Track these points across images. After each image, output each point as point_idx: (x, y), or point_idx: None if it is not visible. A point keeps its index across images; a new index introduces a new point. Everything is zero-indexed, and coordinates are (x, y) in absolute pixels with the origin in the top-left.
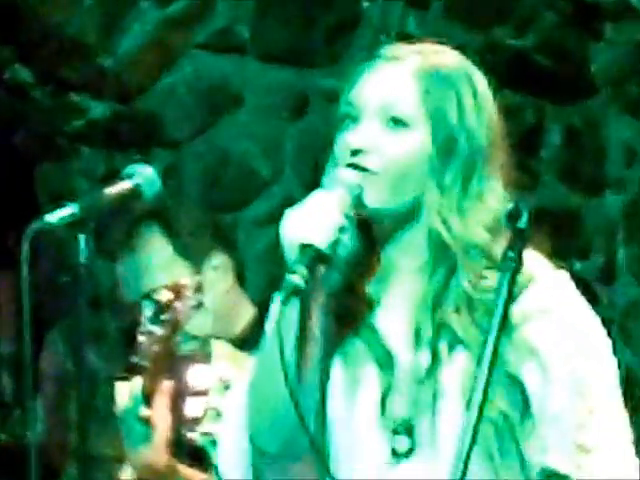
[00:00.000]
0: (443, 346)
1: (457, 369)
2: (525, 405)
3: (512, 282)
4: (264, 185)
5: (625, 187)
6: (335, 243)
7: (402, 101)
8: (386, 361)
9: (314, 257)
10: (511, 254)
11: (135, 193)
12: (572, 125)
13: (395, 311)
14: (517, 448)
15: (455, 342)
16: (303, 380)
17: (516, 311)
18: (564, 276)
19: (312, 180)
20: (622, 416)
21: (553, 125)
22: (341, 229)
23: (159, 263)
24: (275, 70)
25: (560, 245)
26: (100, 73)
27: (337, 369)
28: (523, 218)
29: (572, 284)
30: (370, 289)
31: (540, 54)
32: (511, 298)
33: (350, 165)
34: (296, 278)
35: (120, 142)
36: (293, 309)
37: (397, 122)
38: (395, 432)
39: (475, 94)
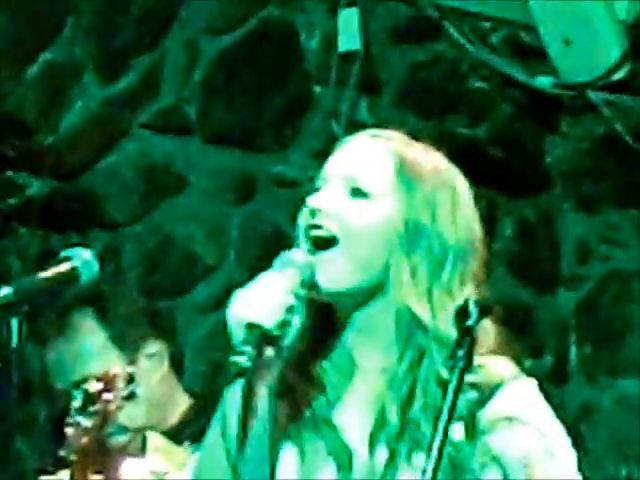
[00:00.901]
0: (403, 445)
1: (415, 469)
2: None
3: (460, 382)
4: (207, 270)
5: (578, 284)
6: (283, 324)
7: (370, 174)
8: (344, 460)
9: (261, 337)
10: (460, 353)
11: (72, 277)
12: (525, 218)
13: (356, 406)
14: None
15: (410, 447)
16: (249, 462)
17: (484, 418)
18: (532, 383)
19: (256, 266)
20: None
21: (505, 218)
22: (290, 309)
23: (91, 350)
24: (221, 152)
25: (511, 342)
26: (40, 150)
27: (292, 463)
28: (472, 316)
29: (539, 392)
30: (331, 380)
31: (494, 145)
32: (476, 404)
33: (308, 229)
34: (241, 359)
35: (58, 222)
36: (237, 391)
37: (363, 191)
38: None
39: (454, 200)
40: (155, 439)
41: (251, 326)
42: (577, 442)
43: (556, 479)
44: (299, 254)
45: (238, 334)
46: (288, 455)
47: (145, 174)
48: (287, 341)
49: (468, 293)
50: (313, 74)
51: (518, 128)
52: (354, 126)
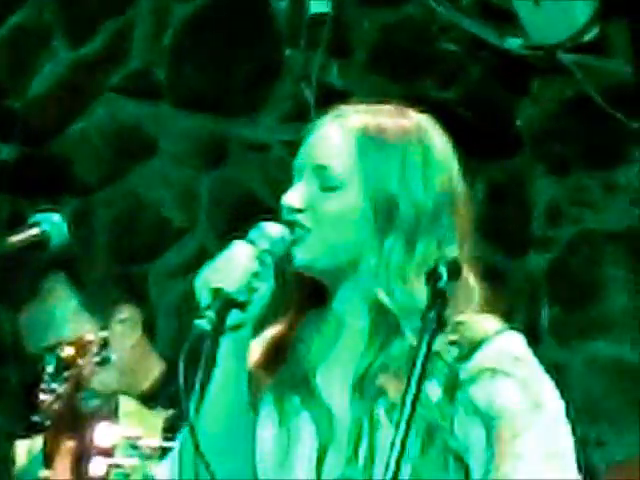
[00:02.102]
0: (381, 409)
1: (388, 433)
2: (466, 477)
3: (430, 345)
4: (178, 235)
5: (549, 247)
6: (249, 290)
7: (335, 161)
8: (324, 420)
9: (224, 302)
10: (431, 315)
11: (42, 241)
12: (496, 181)
13: (337, 370)
14: None
15: (389, 406)
16: (208, 419)
17: (466, 370)
18: (518, 337)
19: (227, 231)
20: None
21: (476, 181)
22: (255, 275)
23: (64, 315)
24: (191, 116)
25: (482, 304)
26: (8, 115)
27: (271, 426)
28: (443, 279)
29: (525, 346)
30: (318, 344)
31: (464, 107)
32: (457, 359)
33: (284, 223)
34: (203, 322)
35: (27, 187)
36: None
37: (331, 182)
38: None
39: (426, 158)
40: (128, 404)
41: (215, 291)
42: None
43: (543, 429)
44: (275, 227)
45: (203, 299)
46: (267, 416)
47: (115, 138)
48: (254, 307)
49: (451, 252)
50: (283, 37)
51: (488, 90)
52: (324, 89)
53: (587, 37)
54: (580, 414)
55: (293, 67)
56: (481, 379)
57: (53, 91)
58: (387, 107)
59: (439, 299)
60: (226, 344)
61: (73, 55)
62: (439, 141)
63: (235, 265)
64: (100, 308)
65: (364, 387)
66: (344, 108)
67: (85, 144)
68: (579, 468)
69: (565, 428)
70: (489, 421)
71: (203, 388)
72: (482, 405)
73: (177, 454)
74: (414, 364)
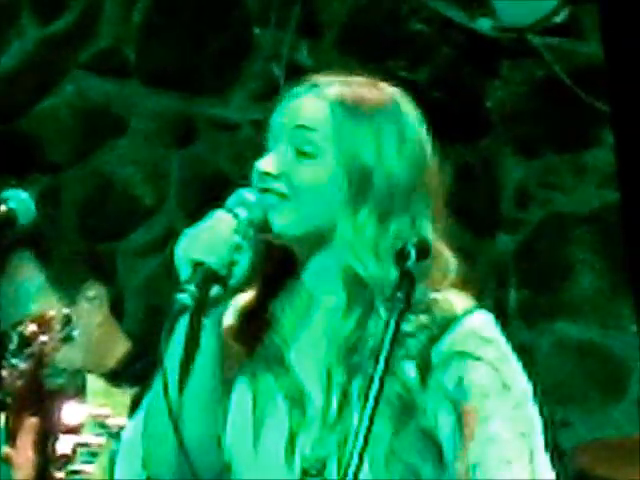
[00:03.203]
0: (352, 389)
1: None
2: (441, 460)
3: (398, 324)
4: (147, 214)
5: (518, 228)
6: (230, 263)
7: (313, 129)
8: (298, 398)
9: (206, 276)
10: (399, 294)
11: (9, 218)
12: (465, 162)
13: (310, 347)
14: None
15: (365, 385)
16: (190, 402)
17: (436, 354)
18: (486, 317)
19: (196, 210)
20: (543, 462)
21: (445, 162)
22: (237, 248)
23: (29, 292)
24: (161, 95)
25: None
26: None
27: (245, 401)
28: (411, 258)
29: (494, 327)
30: (290, 317)
31: (434, 89)
32: (428, 340)
33: (259, 190)
34: (184, 297)
35: None
36: (180, 330)
37: (306, 149)
38: (305, 473)
39: (401, 132)
40: (95, 382)
41: (196, 264)
42: None
43: (512, 410)
44: (252, 194)
45: (184, 272)
46: (240, 393)
47: (84, 116)
48: (234, 280)
49: (425, 228)
50: (253, 16)
51: (458, 72)
52: (294, 69)
53: (557, 19)
54: (547, 395)
55: (263, 46)
56: (451, 364)
57: (21, 69)
58: (362, 79)
59: (407, 279)
60: (204, 320)
61: (41, 32)
62: (413, 116)
63: (217, 237)
64: (67, 286)
65: (340, 365)
66: (320, 78)
67: (54, 122)
68: (546, 448)
69: (533, 409)
70: (458, 405)
71: (184, 364)
72: (451, 389)
73: (145, 418)
74: (382, 343)
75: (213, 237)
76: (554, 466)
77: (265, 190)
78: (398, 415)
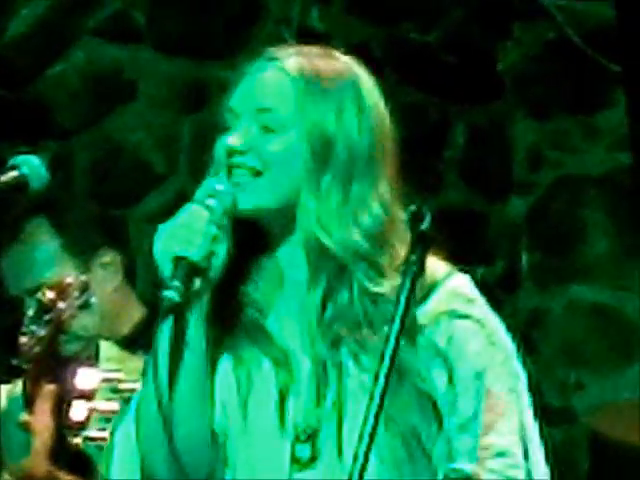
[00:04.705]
0: (347, 357)
1: (357, 378)
2: (439, 417)
3: (413, 286)
4: (157, 179)
5: (530, 191)
6: (209, 254)
7: (276, 104)
8: (282, 360)
9: (188, 270)
10: (413, 257)
11: (21, 184)
12: (477, 125)
13: (287, 318)
14: (426, 456)
15: (355, 351)
16: (180, 399)
17: (422, 315)
18: (467, 279)
19: (207, 175)
20: (530, 419)
21: (457, 125)
22: (214, 239)
23: (45, 258)
24: (171, 60)
25: (462, 249)
26: None
27: (229, 371)
28: (426, 220)
29: (474, 287)
30: (264, 291)
31: (445, 51)
32: (412, 302)
33: (227, 167)
34: (172, 294)
35: (6, 131)
36: (166, 327)
37: (271, 124)
38: (297, 439)
39: (359, 101)
40: (109, 348)
41: (178, 260)
42: (528, 348)
43: (501, 365)
44: (220, 182)
45: (165, 269)
46: (224, 371)
47: (94, 82)
48: (213, 272)
49: (385, 201)
50: None
51: (470, 34)
52: (305, 32)
53: None
54: (560, 358)
55: (273, 10)
56: (440, 322)
57: (31, 34)
58: (318, 49)
59: (421, 242)
60: (188, 315)
61: None
62: (369, 85)
63: (194, 230)
64: (81, 252)
65: (321, 334)
66: (277, 50)
67: (64, 88)
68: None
69: (518, 364)
70: (451, 361)
71: (172, 361)
72: (443, 347)
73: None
74: (393, 317)
75: (190, 231)
76: (541, 426)
77: (235, 167)
78: (393, 381)
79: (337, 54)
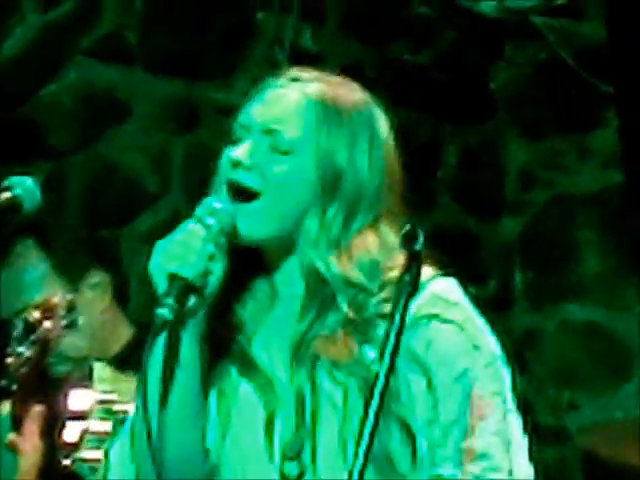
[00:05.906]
0: (321, 374)
1: (335, 395)
2: (413, 445)
3: (407, 305)
4: (150, 200)
5: (523, 211)
6: (205, 273)
7: (290, 124)
8: (265, 385)
9: (182, 288)
10: (407, 278)
11: (14, 205)
12: (469, 145)
13: (273, 339)
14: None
15: (333, 369)
16: (170, 417)
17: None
18: (451, 282)
19: (200, 195)
20: (515, 421)
21: (450, 145)
22: (211, 258)
23: (33, 279)
24: (164, 80)
25: (455, 269)
26: None
27: (212, 403)
28: (419, 240)
29: (459, 290)
30: (252, 313)
31: (438, 71)
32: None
33: (230, 182)
34: (164, 311)
35: None
36: (159, 345)
37: (283, 146)
38: (285, 457)
39: (373, 138)
40: (102, 369)
41: (172, 277)
42: (521, 367)
43: (483, 369)
44: (219, 202)
45: (160, 286)
46: (212, 395)
47: (87, 103)
48: (209, 289)
49: (383, 236)
50: (256, 0)
51: (462, 54)
52: (297, 53)
53: (560, 0)
54: (553, 377)
55: (266, 31)
56: (417, 327)
57: (24, 55)
58: (340, 79)
59: (414, 261)
60: (182, 333)
61: (44, 18)
62: (384, 121)
63: (190, 248)
64: (71, 273)
65: (301, 354)
66: (300, 73)
67: (57, 108)
68: (517, 408)
69: (503, 369)
70: (429, 367)
71: (164, 379)
72: (420, 352)
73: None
74: (388, 335)
75: (186, 248)
76: (530, 445)
77: (235, 185)
78: (365, 397)
79: (355, 85)
